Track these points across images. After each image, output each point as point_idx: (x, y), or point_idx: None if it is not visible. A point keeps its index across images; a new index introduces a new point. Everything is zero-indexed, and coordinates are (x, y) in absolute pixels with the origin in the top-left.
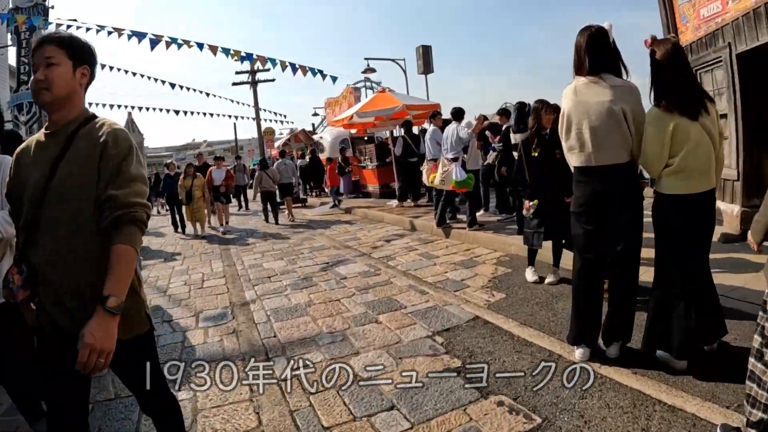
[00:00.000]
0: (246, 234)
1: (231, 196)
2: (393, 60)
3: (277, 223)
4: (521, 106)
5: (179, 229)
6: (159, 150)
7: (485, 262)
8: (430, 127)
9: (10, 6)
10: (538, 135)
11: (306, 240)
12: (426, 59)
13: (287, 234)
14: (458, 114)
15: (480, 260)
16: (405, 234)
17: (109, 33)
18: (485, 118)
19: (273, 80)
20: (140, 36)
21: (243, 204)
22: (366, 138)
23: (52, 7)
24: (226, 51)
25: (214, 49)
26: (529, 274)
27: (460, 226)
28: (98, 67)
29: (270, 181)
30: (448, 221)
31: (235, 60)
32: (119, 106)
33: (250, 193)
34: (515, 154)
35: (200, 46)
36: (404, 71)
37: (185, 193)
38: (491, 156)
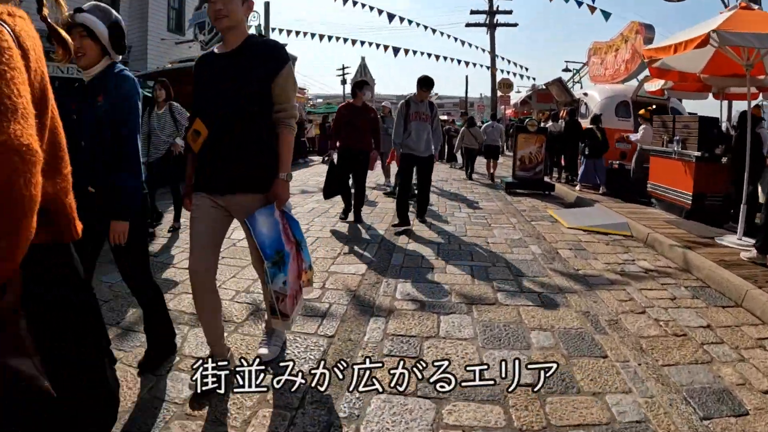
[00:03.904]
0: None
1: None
2: None
3: (470, 178)
4: None
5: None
6: (390, 97)
7: None
8: None
9: None
10: None
11: (575, 354)
12: None
13: (521, 306)
14: None
15: None
16: None
17: None
18: None
19: (515, 25)
20: None
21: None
22: (653, 107)
23: None
24: None
25: None
26: None
27: None
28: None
29: (473, 139)
30: None
31: None
32: (344, 40)
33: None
34: None
35: None
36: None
37: None
38: None
